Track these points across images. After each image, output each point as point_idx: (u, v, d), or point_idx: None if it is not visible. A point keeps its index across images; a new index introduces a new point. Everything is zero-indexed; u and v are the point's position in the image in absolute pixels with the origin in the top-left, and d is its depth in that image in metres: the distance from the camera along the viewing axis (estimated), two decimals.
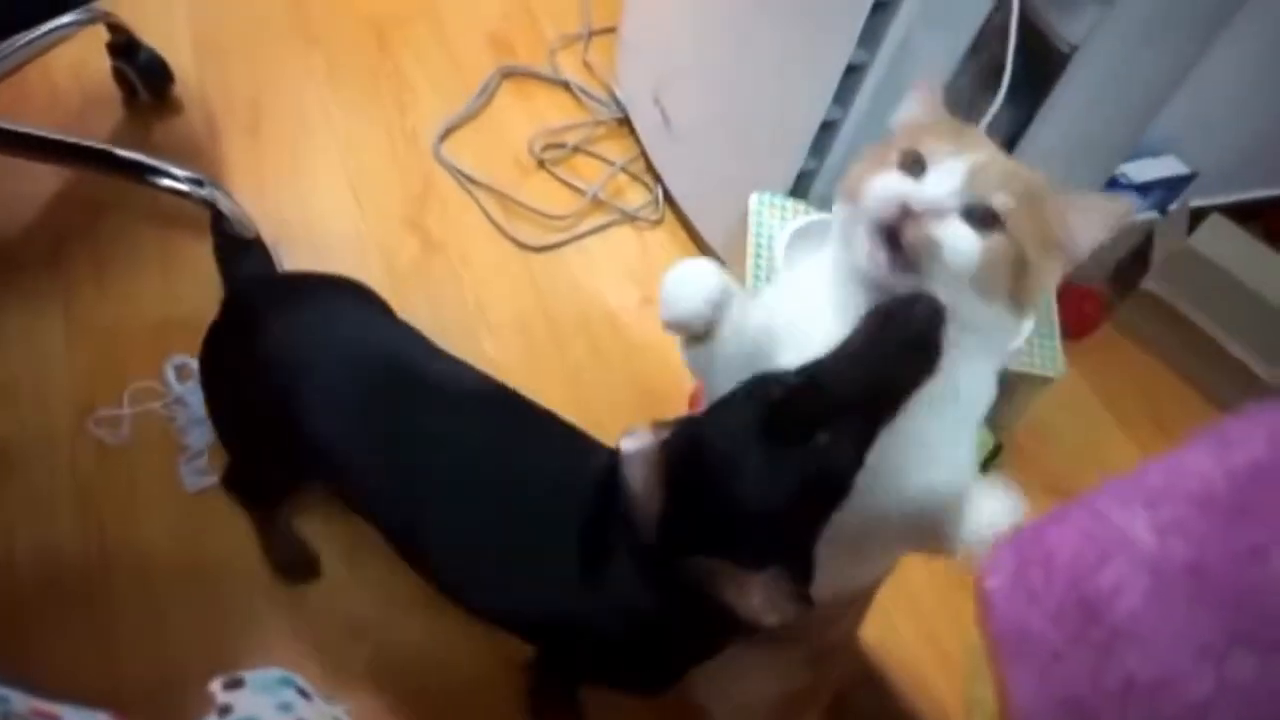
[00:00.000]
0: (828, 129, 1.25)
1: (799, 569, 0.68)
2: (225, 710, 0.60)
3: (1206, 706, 0.38)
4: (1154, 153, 1.51)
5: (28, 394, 1.23)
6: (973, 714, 0.50)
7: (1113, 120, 1.29)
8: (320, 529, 1.18)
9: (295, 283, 1.05)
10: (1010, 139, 1.32)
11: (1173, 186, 1.54)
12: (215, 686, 0.62)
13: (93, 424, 1.21)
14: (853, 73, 1.18)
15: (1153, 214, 1.57)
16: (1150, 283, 1.58)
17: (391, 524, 0.89)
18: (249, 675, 0.63)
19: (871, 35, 1.13)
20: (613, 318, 1.47)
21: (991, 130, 1.27)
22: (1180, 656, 0.38)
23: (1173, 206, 1.58)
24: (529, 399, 0.90)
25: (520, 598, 0.82)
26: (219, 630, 1.10)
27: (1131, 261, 1.62)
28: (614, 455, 0.73)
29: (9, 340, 1.26)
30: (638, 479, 0.70)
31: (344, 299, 0.99)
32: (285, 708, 0.59)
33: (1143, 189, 1.51)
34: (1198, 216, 1.58)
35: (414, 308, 1.40)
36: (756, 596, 0.66)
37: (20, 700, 0.47)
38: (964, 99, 1.35)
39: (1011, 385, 1.22)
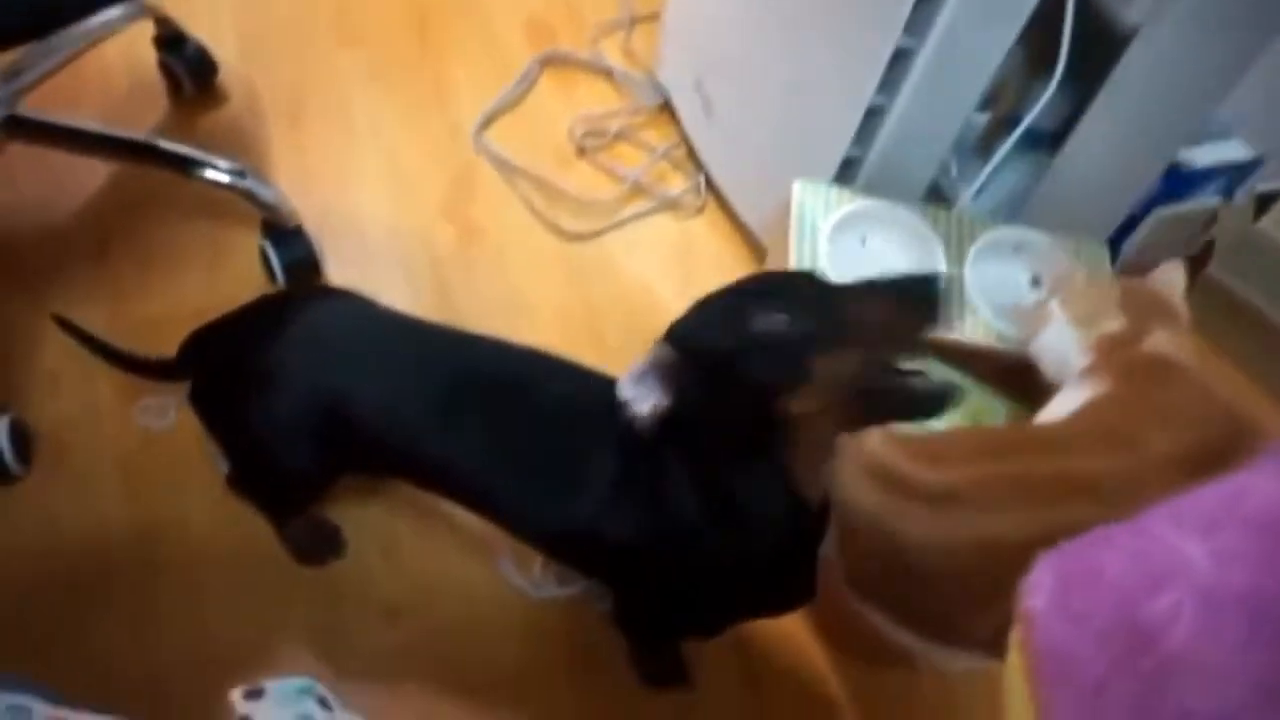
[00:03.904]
0: (873, 115, 1.21)
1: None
2: None
3: None
4: (1217, 136, 1.44)
5: (74, 383, 1.25)
6: None
7: (1175, 105, 1.23)
8: (355, 520, 1.18)
9: (267, 309, 1.03)
10: (1063, 126, 1.27)
11: (1239, 171, 1.47)
12: (235, 696, 0.62)
13: (138, 412, 1.23)
14: (900, 58, 1.14)
15: (1216, 200, 1.50)
16: (1214, 270, 1.51)
17: (454, 480, 0.94)
18: (271, 685, 0.62)
19: (920, 20, 1.09)
20: (652, 305, 1.45)
21: (1043, 118, 1.23)
22: (1242, 694, 0.36)
23: (1239, 192, 1.51)
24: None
25: (570, 518, 0.88)
26: (255, 615, 1.12)
27: (1197, 249, 1.56)
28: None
29: (56, 331, 1.28)
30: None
31: (335, 300, 1.02)
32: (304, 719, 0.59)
33: (1205, 175, 1.44)
34: (1265, 202, 1.52)
35: (455, 295, 1.43)
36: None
37: (40, 710, 0.47)
38: (1013, 86, 1.31)
39: None
